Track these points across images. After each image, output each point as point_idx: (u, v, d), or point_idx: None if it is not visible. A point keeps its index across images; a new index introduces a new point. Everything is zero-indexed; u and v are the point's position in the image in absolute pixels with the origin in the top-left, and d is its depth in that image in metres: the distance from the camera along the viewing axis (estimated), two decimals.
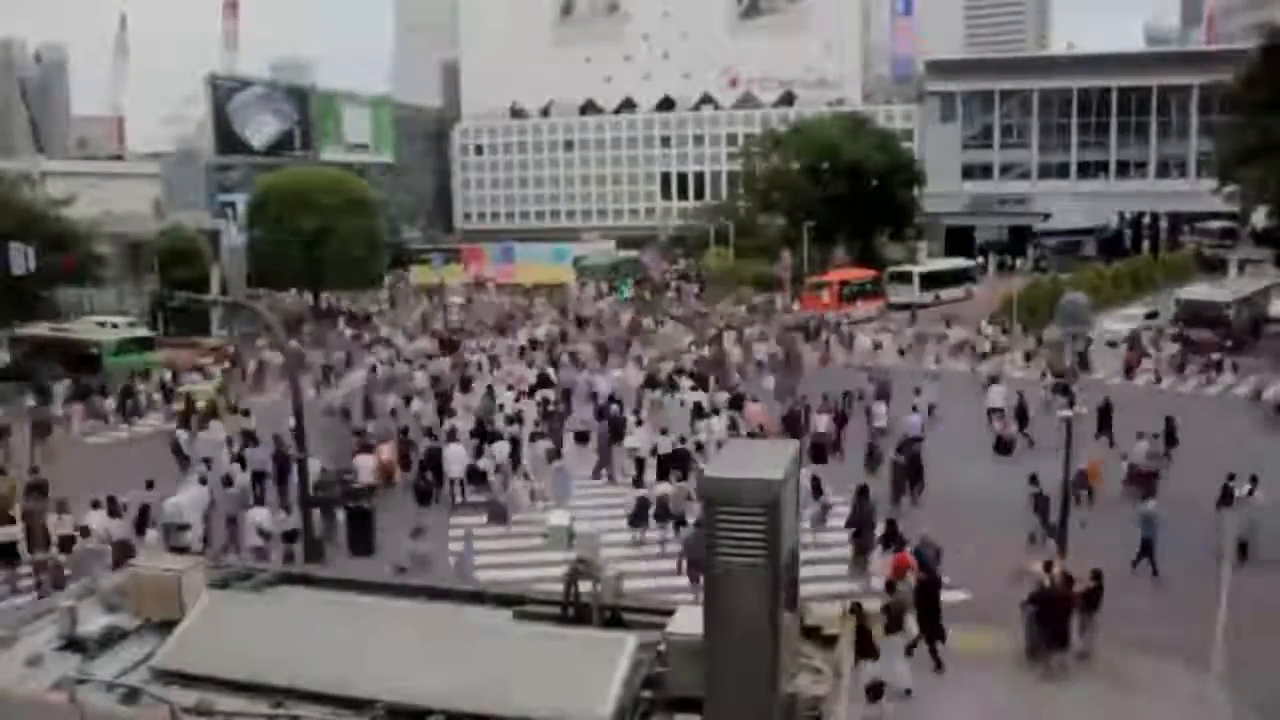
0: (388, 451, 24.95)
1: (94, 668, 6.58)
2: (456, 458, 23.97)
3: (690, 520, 19.12)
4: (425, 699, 5.89)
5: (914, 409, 27.93)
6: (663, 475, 22.78)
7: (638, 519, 20.61)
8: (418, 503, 22.89)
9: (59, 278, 45.37)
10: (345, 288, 62.40)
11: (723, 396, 30.21)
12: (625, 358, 38.91)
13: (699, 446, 24.93)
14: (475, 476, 23.79)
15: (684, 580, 17.14)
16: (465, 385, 34.01)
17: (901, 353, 41.90)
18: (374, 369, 37.67)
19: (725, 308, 54.98)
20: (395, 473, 24.68)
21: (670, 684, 5.97)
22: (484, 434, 26.36)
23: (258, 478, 23.40)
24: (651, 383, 32.23)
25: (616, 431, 26.81)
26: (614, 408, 29.03)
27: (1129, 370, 37.00)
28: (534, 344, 43.24)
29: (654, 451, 24.58)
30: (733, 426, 26.90)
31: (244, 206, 66.51)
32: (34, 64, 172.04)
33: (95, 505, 19.85)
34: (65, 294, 48.23)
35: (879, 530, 18.74)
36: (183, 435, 27.33)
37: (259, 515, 19.79)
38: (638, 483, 23.50)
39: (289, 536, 19.15)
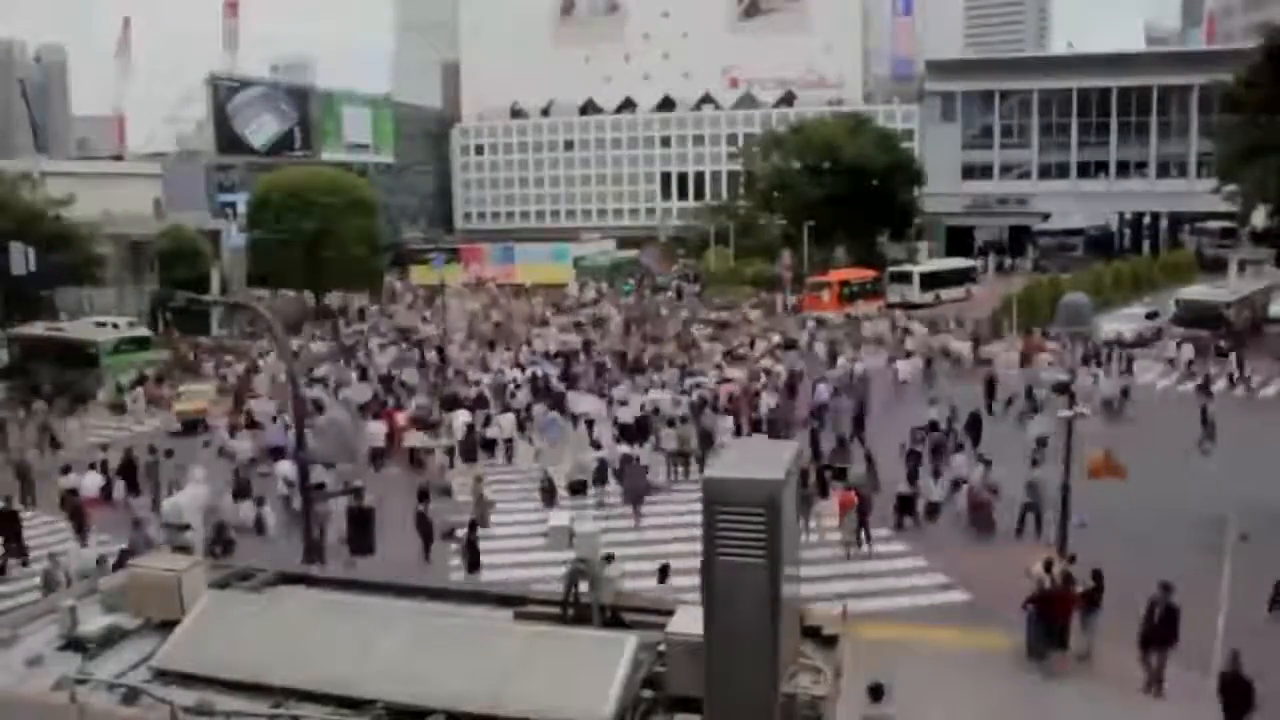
0: (403, 419, 27.66)
1: (94, 668, 6.58)
2: (464, 425, 26.87)
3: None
4: (425, 699, 5.89)
5: (824, 379, 31.08)
6: (630, 440, 25.54)
7: (599, 478, 23.50)
8: (480, 454, 26.44)
9: (59, 278, 45.37)
10: (345, 288, 62.33)
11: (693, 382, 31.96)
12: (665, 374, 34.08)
13: (656, 411, 27.78)
14: (485, 444, 27.15)
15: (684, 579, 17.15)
16: (451, 404, 30.05)
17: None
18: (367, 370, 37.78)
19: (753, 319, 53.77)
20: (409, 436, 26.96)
21: (670, 684, 5.96)
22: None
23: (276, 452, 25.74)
24: (637, 368, 34.31)
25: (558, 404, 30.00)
26: (561, 386, 32.22)
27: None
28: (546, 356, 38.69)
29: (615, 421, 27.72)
30: (704, 403, 28.81)
31: (244, 206, 66.51)
32: (34, 64, 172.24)
33: (91, 466, 23.54)
34: (65, 294, 48.24)
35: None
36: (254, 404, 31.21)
37: (285, 467, 22.74)
38: (596, 445, 25.59)
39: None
